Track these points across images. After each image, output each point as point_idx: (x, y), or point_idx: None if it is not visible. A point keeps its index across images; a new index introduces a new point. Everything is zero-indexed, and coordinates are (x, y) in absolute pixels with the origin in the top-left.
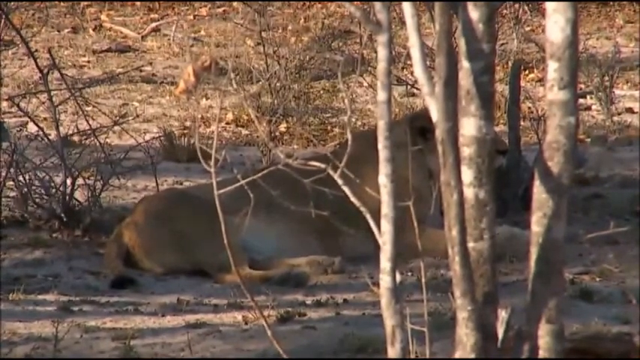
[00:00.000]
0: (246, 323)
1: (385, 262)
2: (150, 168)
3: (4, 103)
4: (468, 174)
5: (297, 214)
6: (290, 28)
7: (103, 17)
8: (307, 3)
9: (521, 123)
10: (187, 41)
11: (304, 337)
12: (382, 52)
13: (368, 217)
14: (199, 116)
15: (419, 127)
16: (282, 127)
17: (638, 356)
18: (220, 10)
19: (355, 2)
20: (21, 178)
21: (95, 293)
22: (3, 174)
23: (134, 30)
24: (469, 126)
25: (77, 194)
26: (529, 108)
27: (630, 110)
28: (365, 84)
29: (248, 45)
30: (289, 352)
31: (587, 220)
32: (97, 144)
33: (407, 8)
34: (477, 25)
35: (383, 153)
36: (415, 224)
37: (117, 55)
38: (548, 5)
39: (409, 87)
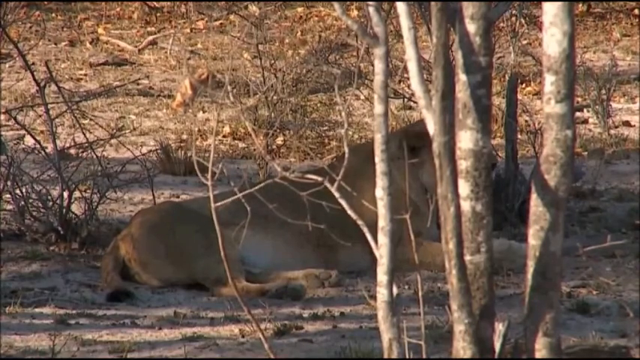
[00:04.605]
0: (242, 336)
1: (382, 275)
2: (147, 181)
3: (2, 116)
4: (464, 187)
5: (294, 227)
6: (287, 41)
7: (100, 30)
8: (304, 16)
9: (518, 136)
10: (184, 54)
11: (301, 350)
12: (379, 66)
13: (365, 230)
14: (196, 129)
15: (408, 142)
16: (279, 141)
17: None
18: (217, 23)
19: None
20: (18, 191)
21: (92, 306)
22: (0, 187)
23: (131, 43)
24: (466, 139)
25: (74, 207)
26: (526, 121)
27: (627, 123)
28: (362, 97)
29: (245, 58)
30: None
31: (584, 233)
32: (94, 157)
33: (404, 21)
34: (474, 39)
35: (380, 166)
36: (412, 237)
37: (114, 69)
38: (545, 18)
39: (406, 100)
